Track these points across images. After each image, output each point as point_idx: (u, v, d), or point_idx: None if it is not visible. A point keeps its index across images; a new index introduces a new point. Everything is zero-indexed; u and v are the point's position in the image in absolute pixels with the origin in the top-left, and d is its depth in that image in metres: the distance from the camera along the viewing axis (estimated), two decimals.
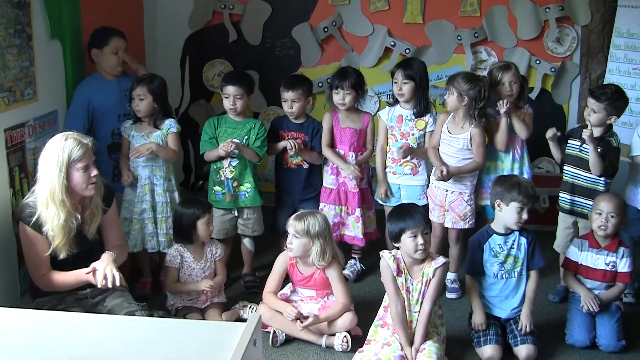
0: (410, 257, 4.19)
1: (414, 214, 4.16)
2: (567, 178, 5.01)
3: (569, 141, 5.00)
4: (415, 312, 4.20)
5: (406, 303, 4.20)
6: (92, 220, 4.05)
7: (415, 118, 5.20)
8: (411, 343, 4.15)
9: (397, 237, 4.17)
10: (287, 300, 4.60)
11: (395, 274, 4.18)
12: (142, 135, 4.96)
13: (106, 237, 4.25)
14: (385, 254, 4.24)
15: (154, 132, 4.97)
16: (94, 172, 3.94)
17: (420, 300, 4.19)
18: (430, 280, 4.17)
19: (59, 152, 3.81)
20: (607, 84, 5.20)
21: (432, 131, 5.16)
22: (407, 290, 4.20)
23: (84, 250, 4.01)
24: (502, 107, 4.95)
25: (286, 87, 5.17)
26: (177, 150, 5.09)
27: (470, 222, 5.11)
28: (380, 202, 5.41)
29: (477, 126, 4.96)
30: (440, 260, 4.21)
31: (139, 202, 4.98)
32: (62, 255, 3.92)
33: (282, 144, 5.19)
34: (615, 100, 4.83)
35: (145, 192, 4.97)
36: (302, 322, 4.36)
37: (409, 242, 4.12)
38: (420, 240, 4.09)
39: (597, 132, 4.86)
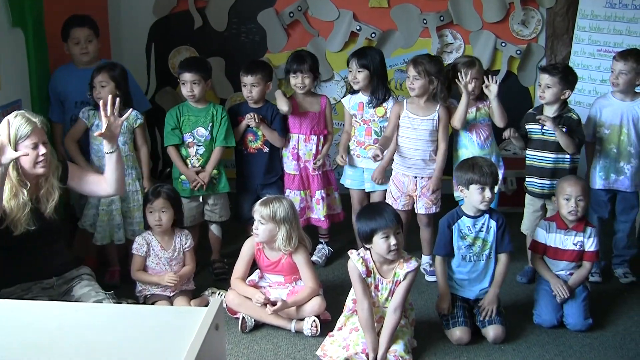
0: (382, 257, 4.13)
1: (384, 213, 4.07)
2: (533, 162, 5.04)
3: (528, 126, 5.03)
4: (385, 308, 4.17)
5: (374, 299, 4.19)
6: (48, 199, 4.03)
7: (374, 107, 5.20)
8: (377, 346, 4.08)
9: (368, 238, 4.08)
10: (256, 286, 4.59)
11: (364, 276, 4.14)
12: None
13: (91, 181, 4.29)
14: (353, 256, 4.17)
15: None
16: (43, 150, 3.90)
17: (389, 298, 4.16)
18: (399, 281, 4.13)
19: (7, 130, 3.80)
20: (555, 62, 5.22)
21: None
22: (376, 288, 4.17)
23: (41, 228, 3.99)
24: (490, 83, 4.98)
25: (245, 72, 5.16)
26: (147, 141, 5.16)
27: (439, 205, 5.14)
28: (346, 185, 5.44)
29: (443, 106, 5.02)
30: (413, 264, 4.13)
31: None
32: (17, 231, 3.90)
33: (243, 124, 5.20)
34: (568, 74, 4.89)
35: None
36: (271, 307, 4.36)
37: (381, 243, 4.03)
38: (392, 240, 4.01)
39: (553, 110, 4.92)
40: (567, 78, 4.86)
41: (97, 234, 4.97)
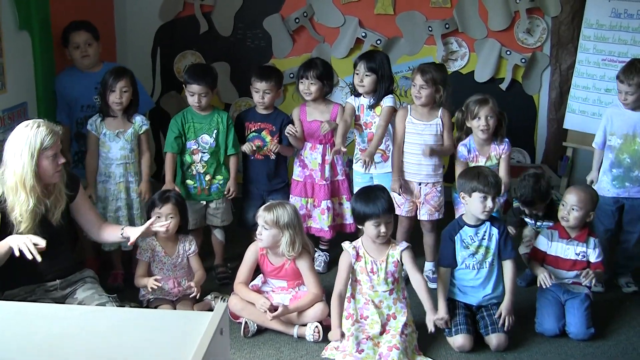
0: (371, 241, 4.29)
1: (378, 202, 4.19)
2: None
3: (524, 218, 5.17)
4: (383, 292, 4.27)
5: (370, 284, 4.28)
6: (56, 206, 4.06)
7: (373, 107, 5.18)
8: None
9: (361, 221, 4.27)
10: (259, 291, 4.60)
11: (354, 260, 4.30)
12: (115, 134, 4.95)
13: (86, 219, 4.33)
14: (346, 244, 4.37)
15: (127, 130, 4.97)
16: (62, 160, 3.97)
17: (387, 279, 4.25)
18: (397, 262, 4.27)
19: (31, 139, 3.83)
20: (524, 177, 5.13)
21: (390, 107, 5.10)
22: (372, 272, 4.26)
23: (49, 235, 3.99)
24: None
25: (259, 78, 5.15)
26: (150, 148, 5.17)
27: (443, 211, 5.15)
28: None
29: (445, 110, 5.02)
30: (404, 243, 4.32)
31: (114, 200, 4.96)
32: None
33: (244, 148, 5.21)
34: (546, 192, 4.94)
35: (120, 190, 4.96)
36: (270, 314, 4.36)
37: (372, 229, 4.22)
38: (382, 228, 4.19)
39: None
40: (548, 193, 4.97)
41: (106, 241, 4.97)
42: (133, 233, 4.24)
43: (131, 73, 5.02)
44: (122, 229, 4.32)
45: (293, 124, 5.24)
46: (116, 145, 4.94)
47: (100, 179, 4.97)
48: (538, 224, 5.02)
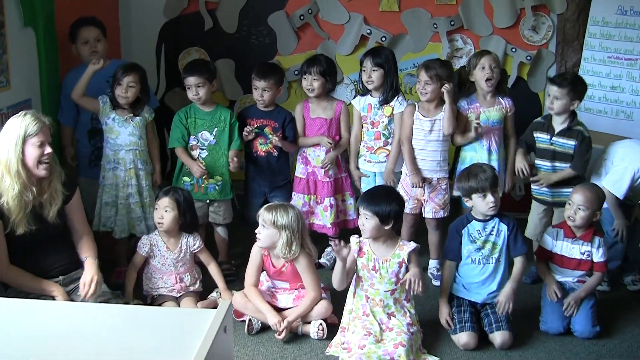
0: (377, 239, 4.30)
1: (374, 196, 4.27)
2: (541, 171, 5.07)
3: (537, 135, 5.06)
4: (385, 291, 4.26)
5: (370, 282, 4.29)
6: (51, 204, 4.07)
7: (381, 106, 5.20)
8: None
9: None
10: (266, 292, 4.59)
11: (356, 255, 4.30)
12: (125, 119, 4.96)
13: (71, 225, 4.31)
14: (353, 238, 4.36)
15: (136, 117, 4.99)
16: (48, 150, 3.97)
17: (390, 279, 4.25)
18: (402, 262, 4.25)
19: (16, 126, 3.89)
20: (564, 72, 5.18)
21: (402, 112, 5.14)
22: (374, 269, 4.26)
23: (43, 229, 4.04)
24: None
25: (258, 76, 5.16)
26: (156, 137, 5.22)
27: (448, 209, 5.15)
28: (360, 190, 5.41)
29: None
30: (412, 244, 4.29)
31: (125, 186, 4.98)
32: (19, 231, 3.94)
33: (245, 137, 5.21)
34: (577, 84, 4.89)
35: (131, 176, 4.98)
36: (279, 336, 4.36)
37: (359, 218, 4.30)
38: (361, 219, 4.24)
39: (561, 120, 4.95)
40: (576, 88, 4.86)
41: (116, 228, 5.00)
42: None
43: (142, 71, 5.04)
44: (86, 257, 4.24)
45: (295, 121, 5.27)
46: (125, 130, 4.95)
47: (109, 166, 4.98)
48: (553, 140, 4.97)
